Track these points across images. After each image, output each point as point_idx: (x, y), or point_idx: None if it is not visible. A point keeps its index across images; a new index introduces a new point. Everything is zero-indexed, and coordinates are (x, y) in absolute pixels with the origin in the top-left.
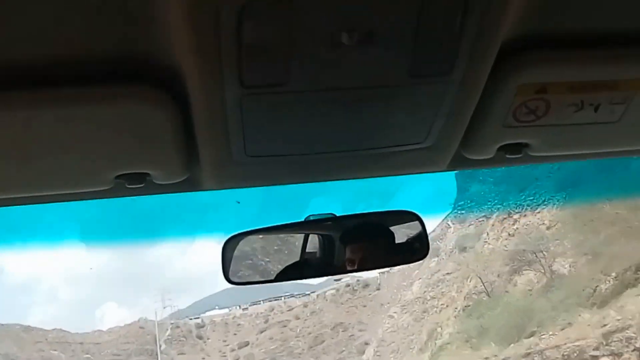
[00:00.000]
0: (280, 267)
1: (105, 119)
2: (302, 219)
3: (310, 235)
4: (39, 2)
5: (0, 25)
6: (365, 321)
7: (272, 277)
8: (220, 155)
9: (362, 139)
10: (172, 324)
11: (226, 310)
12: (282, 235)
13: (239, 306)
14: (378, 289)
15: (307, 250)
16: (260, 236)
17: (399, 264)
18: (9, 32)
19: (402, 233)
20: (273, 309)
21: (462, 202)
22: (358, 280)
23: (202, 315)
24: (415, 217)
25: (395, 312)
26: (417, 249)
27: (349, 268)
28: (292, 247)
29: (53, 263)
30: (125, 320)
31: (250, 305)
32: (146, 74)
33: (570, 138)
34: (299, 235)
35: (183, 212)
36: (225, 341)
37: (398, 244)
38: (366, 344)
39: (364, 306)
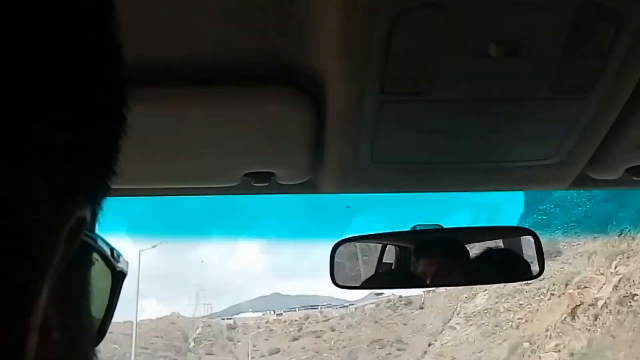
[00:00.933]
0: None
1: (245, 117)
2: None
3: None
4: (200, 4)
5: (163, 26)
6: (405, 340)
7: (368, 285)
8: (346, 159)
9: (491, 151)
10: (203, 322)
11: (259, 314)
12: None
13: (273, 311)
14: (421, 308)
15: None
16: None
17: (507, 282)
18: (169, 31)
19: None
20: (308, 318)
21: (544, 207)
22: (400, 297)
23: (234, 316)
24: (530, 234)
25: (457, 324)
26: (530, 266)
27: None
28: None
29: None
30: (157, 314)
31: (285, 312)
32: (289, 75)
33: None
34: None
35: (228, 215)
36: (255, 346)
37: (511, 261)
38: None
39: (404, 324)
